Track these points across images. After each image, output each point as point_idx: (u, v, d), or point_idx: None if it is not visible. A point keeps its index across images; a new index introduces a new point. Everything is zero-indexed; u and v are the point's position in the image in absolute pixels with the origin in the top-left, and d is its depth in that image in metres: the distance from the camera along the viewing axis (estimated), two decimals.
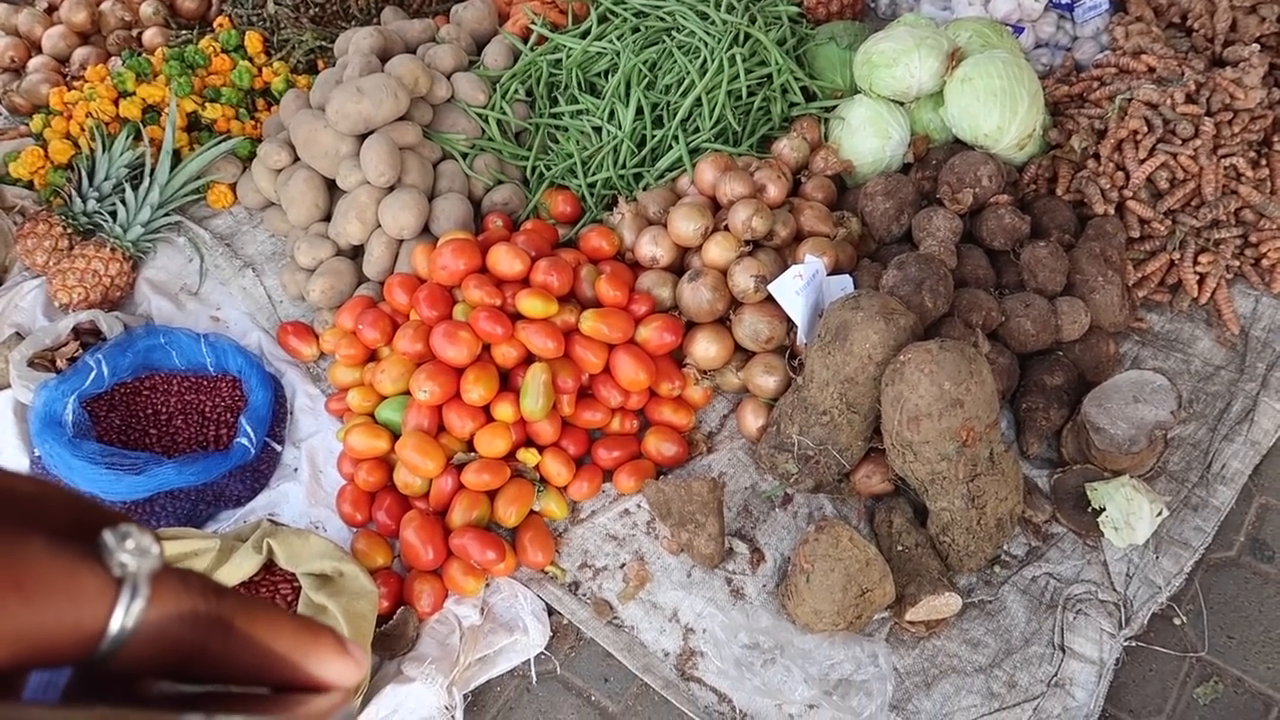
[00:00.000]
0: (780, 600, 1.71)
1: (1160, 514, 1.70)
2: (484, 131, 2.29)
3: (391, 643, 1.66)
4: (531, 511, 1.81)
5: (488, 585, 1.76)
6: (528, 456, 1.82)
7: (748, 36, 2.25)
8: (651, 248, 1.99)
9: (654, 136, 2.21)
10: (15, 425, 1.92)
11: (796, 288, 1.80)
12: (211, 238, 2.30)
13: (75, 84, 2.54)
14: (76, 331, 2.00)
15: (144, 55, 2.53)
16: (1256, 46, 2.23)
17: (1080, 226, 2.09)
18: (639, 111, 2.21)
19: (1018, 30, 2.53)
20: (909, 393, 1.53)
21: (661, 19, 2.31)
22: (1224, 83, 2.12)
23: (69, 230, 2.19)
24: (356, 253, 2.18)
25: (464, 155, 2.25)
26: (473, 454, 1.82)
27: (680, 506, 1.72)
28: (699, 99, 2.18)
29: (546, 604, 1.75)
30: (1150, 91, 2.14)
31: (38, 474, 1.85)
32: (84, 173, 2.25)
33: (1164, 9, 2.50)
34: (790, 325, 1.89)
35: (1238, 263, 2.09)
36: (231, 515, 1.87)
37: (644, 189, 2.19)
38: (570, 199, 2.19)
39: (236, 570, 1.60)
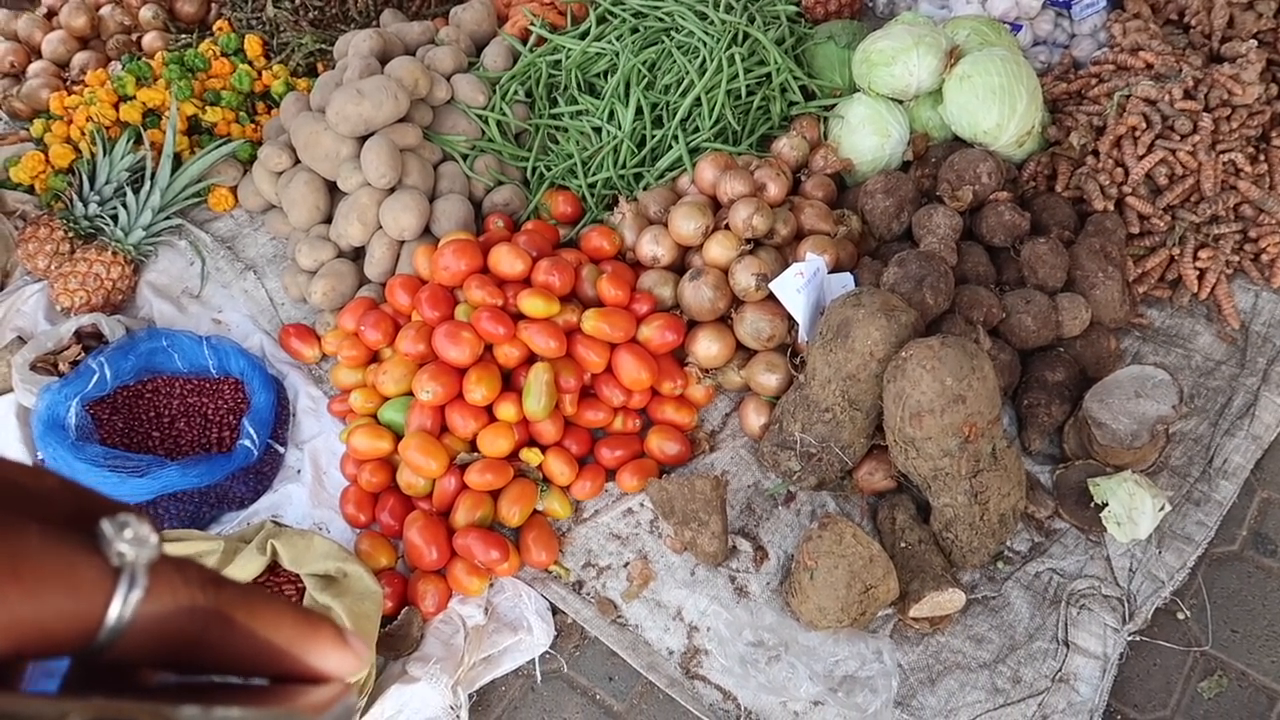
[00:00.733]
0: (784, 598, 1.71)
1: (1163, 509, 1.70)
2: (484, 132, 2.30)
3: (396, 643, 1.66)
4: (535, 511, 1.82)
5: (492, 585, 1.76)
6: (530, 456, 1.82)
7: (746, 36, 2.25)
8: (652, 247, 1.99)
9: (654, 136, 2.22)
10: (18, 429, 1.92)
11: (798, 285, 1.81)
12: (213, 240, 2.30)
13: (75, 88, 2.54)
14: (79, 335, 2.01)
15: (144, 59, 2.54)
16: (1254, 42, 2.23)
17: (1080, 223, 2.09)
18: (639, 111, 2.22)
19: (1015, 28, 2.53)
20: (911, 389, 1.53)
21: (660, 19, 2.32)
22: (1222, 78, 2.13)
23: (70, 234, 2.19)
24: (358, 254, 2.18)
25: (464, 156, 2.26)
26: (475, 454, 1.82)
27: (683, 505, 1.72)
28: (698, 99, 2.19)
29: (550, 603, 1.75)
30: (1148, 88, 2.14)
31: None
32: (85, 177, 2.25)
33: (1161, 6, 2.51)
34: (792, 323, 1.89)
35: (1237, 258, 2.09)
36: (235, 517, 1.87)
37: (644, 189, 2.19)
38: (571, 199, 2.19)
39: (241, 572, 1.60)
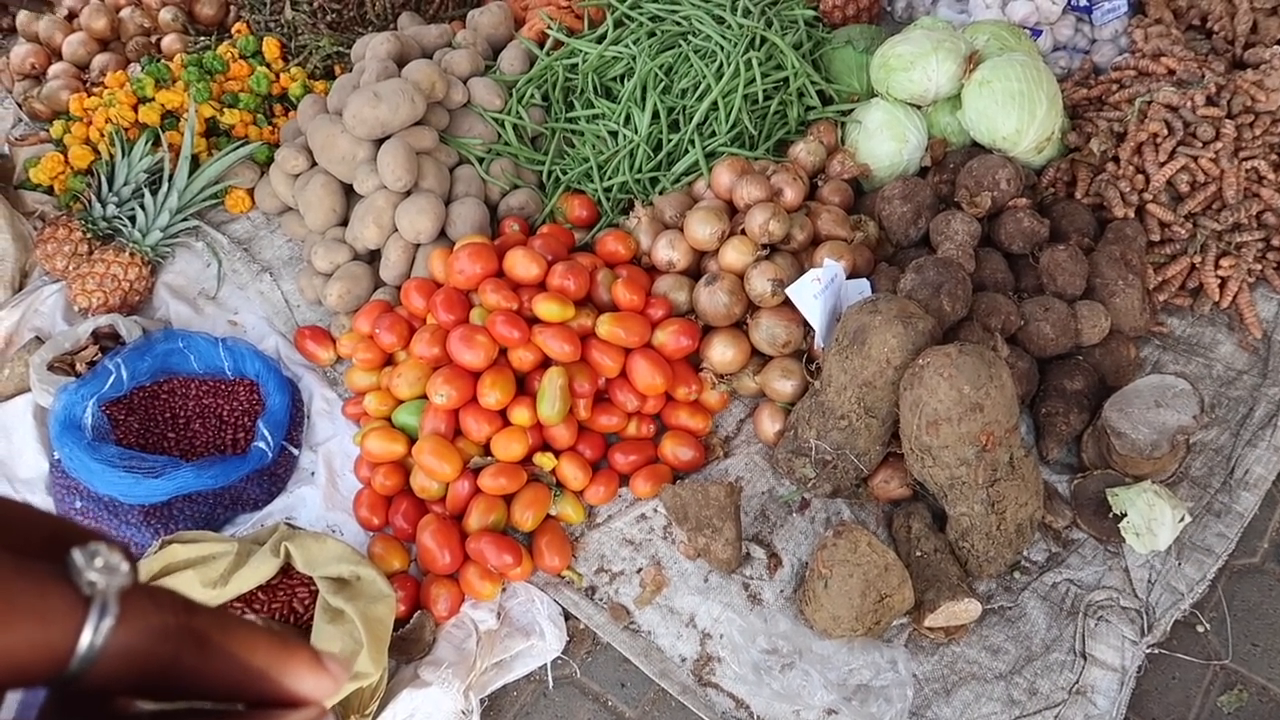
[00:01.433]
0: (798, 605, 1.70)
1: (1182, 520, 1.68)
2: (500, 136, 2.30)
3: (408, 647, 1.66)
4: (548, 516, 1.81)
5: (504, 590, 1.75)
6: (544, 461, 1.82)
7: (764, 40, 2.24)
8: (668, 251, 1.99)
9: (670, 141, 2.21)
10: (35, 429, 1.93)
11: (814, 291, 1.80)
12: (229, 242, 2.31)
13: (95, 90, 2.55)
14: (96, 335, 2.02)
15: (163, 61, 2.55)
16: (1278, 48, 2.21)
17: (1100, 230, 2.07)
18: (655, 116, 2.21)
19: (1035, 33, 2.52)
20: (928, 397, 1.52)
21: (677, 23, 2.31)
22: (1245, 85, 2.11)
23: (88, 235, 2.20)
24: (373, 257, 2.18)
25: (480, 160, 2.26)
26: (489, 458, 1.81)
27: (697, 511, 1.71)
28: (715, 103, 2.18)
29: (563, 608, 1.75)
30: (1170, 94, 2.13)
31: (58, 483, 1.86)
32: (103, 178, 2.26)
33: (1183, 11, 2.49)
34: (807, 329, 1.88)
35: (1259, 266, 2.07)
36: (249, 519, 1.87)
37: (660, 193, 2.19)
38: (586, 203, 2.19)
39: (254, 574, 1.60)
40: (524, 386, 1.87)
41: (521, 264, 1.89)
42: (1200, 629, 1.68)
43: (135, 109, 2.41)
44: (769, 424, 1.88)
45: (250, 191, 2.37)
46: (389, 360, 2.00)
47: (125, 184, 2.25)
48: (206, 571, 1.59)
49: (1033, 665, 1.63)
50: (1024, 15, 2.52)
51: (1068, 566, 1.74)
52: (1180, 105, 2.12)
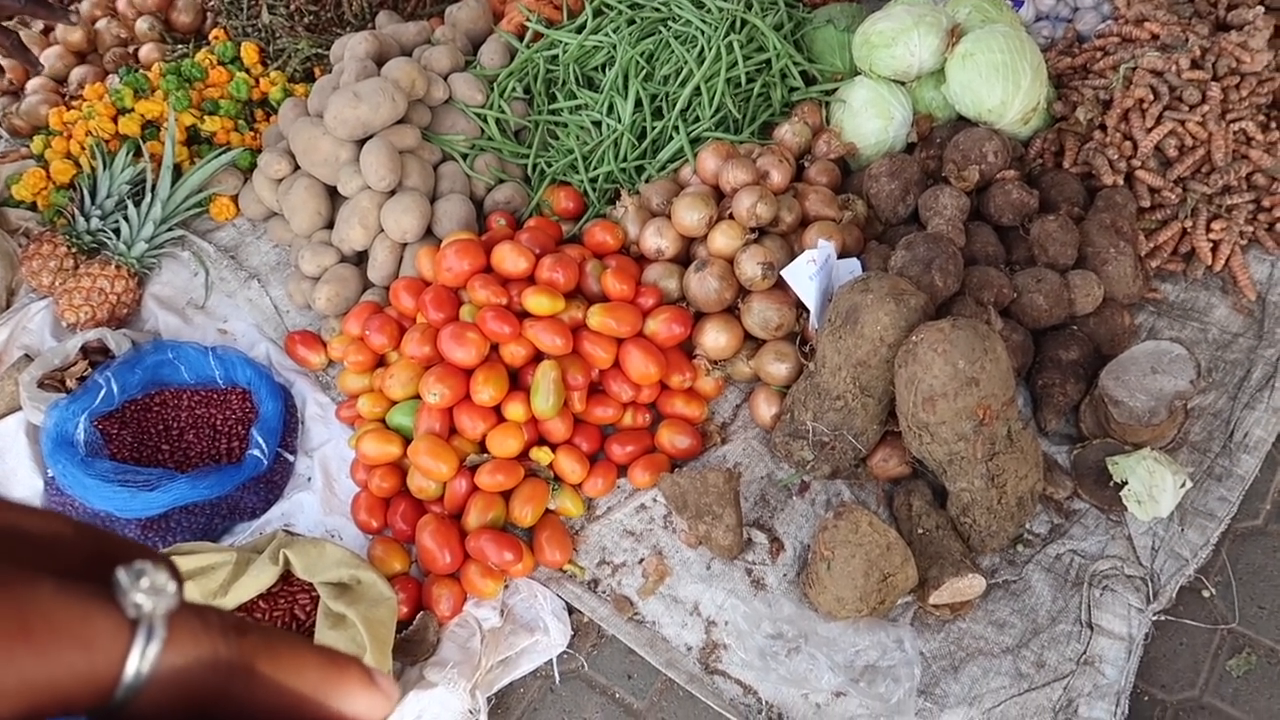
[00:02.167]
0: (802, 589, 1.69)
1: (1184, 485, 1.68)
2: (483, 131, 2.28)
3: (412, 648, 1.65)
4: (547, 510, 1.80)
5: (506, 586, 1.75)
6: (541, 455, 1.81)
7: (744, 23, 2.23)
8: (656, 239, 1.97)
9: (654, 128, 2.20)
10: (28, 447, 1.92)
11: (810, 273, 1.78)
12: (215, 250, 2.29)
13: (74, 103, 2.54)
14: (85, 350, 2.00)
15: (141, 71, 2.53)
16: (1261, 9, 2.19)
17: (1089, 198, 2.06)
18: (638, 104, 2.20)
19: (1017, 4, 2.50)
20: (923, 373, 1.51)
21: (657, 9, 2.30)
22: (1229, 46, 2.09)
23: (73, 250, 2.19)
24: (361, 259, 2.17)
25: (464, 156, 2.24)
26: (485, 455, 1.81)
27: (696, 499, 1.70)
28: (698, 88, 2.17)
29: (566, 603, 1.74)
30: (1155, 59, 2.11)
31: (52, 500, 1.85)
32: (86, 192, 2.24)
33: None
34: (800, 311, 1.87)
35: (1251, 228, 2.06)
36: (247, 527, 1.86)
37: (646, 181, 2.17)
38: (572, 195, 2.17)
39: (254, 582, 1.59)
40: (517, 382, 1.86)
41: (509, 258, 1.88)
42: (1206, 594, 1.68)
43: (115, 120, 2.39)
44: (765, 408, 1.87)
45: (234, 198, 2.35)
46: (381, 362, 1.98)
47: (108, 196, 2.24)
48: (206, 582, 1.58)
49: (1039, 638, 1.63)
50: None
51: (1070, 537, 1.73)
52: (1165, 70, 2.11)
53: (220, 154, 2.32)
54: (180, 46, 2.72)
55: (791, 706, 1.59)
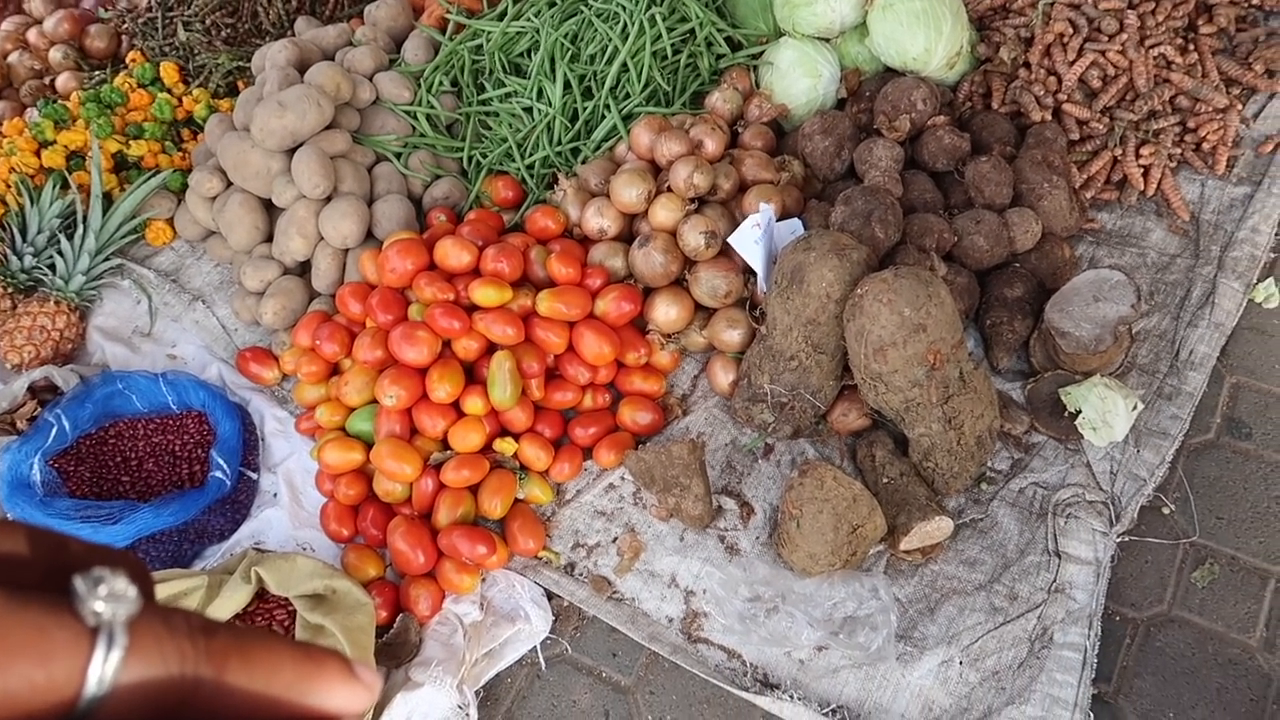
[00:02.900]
0: (775, 549, 1.71)
1: (1135, 408, 1.71)
2: (414, 128, 2.26)
3: (395, 651, 1.65)
4: (516, 500, 1.81)
5: (483, 580, 1.75)
6: (505, 446, 1.81)
7: None
8: (598, 220, 1.97)
9: (585, 109, 2.19)
10: None
11: (755, 236, 1.79)
12: (156, 276, 2.26)
13: None
14: (32, 390, 1.97)
15: (60, 102, 2.48)
16: None
17: (1020, 136, 2.08)
18: (567, 86, 2.19)
19: None
20: (870, 325, 1.53)
21: None
22: None
23: (9, 289, 2.15)
24: (304, 269, 2.15)
25: (398, 155, 2.22)
26: (449, 452, 1.80)
27: (663, 472, 1.71)
28: (625, 64, 2.16)
29: (545, 589, 1.75)
30: None
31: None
32: (15, 230, 2.20)
33: None
34: (747, 277, 1.88)
35: (1179, 150, 2.09)
36: (217, 550, 1.85)
37: (583, 162, 2.17)
38: (511, 183, 2.17)
39: (228, 603, 1.58)
40: (473, 375, 1.85)
41: (453, 253, 1.87)
42: (1166, 511, 1.72)
43: (38, 154, 2.34)
44: (722, 375, 1.88)
45: (170, 221, 2.32)
46: (335, 370, 1.97)
47: (39, 232, 2.19)
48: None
49: (1010, 571, 1.66)
50: None
51: (1031, 470, 1.76)
52: (1082, 3, 2.13)
53: (150, 178, 2.28)
54: (98, 73, 2.67)
55: (776, 665, 1.61)
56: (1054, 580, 1.64)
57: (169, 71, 2.51)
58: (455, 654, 1.64)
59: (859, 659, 1.59)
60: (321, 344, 1.92)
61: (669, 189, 1.92)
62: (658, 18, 2.16)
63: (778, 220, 1.87)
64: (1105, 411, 1.71)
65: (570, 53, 2.21)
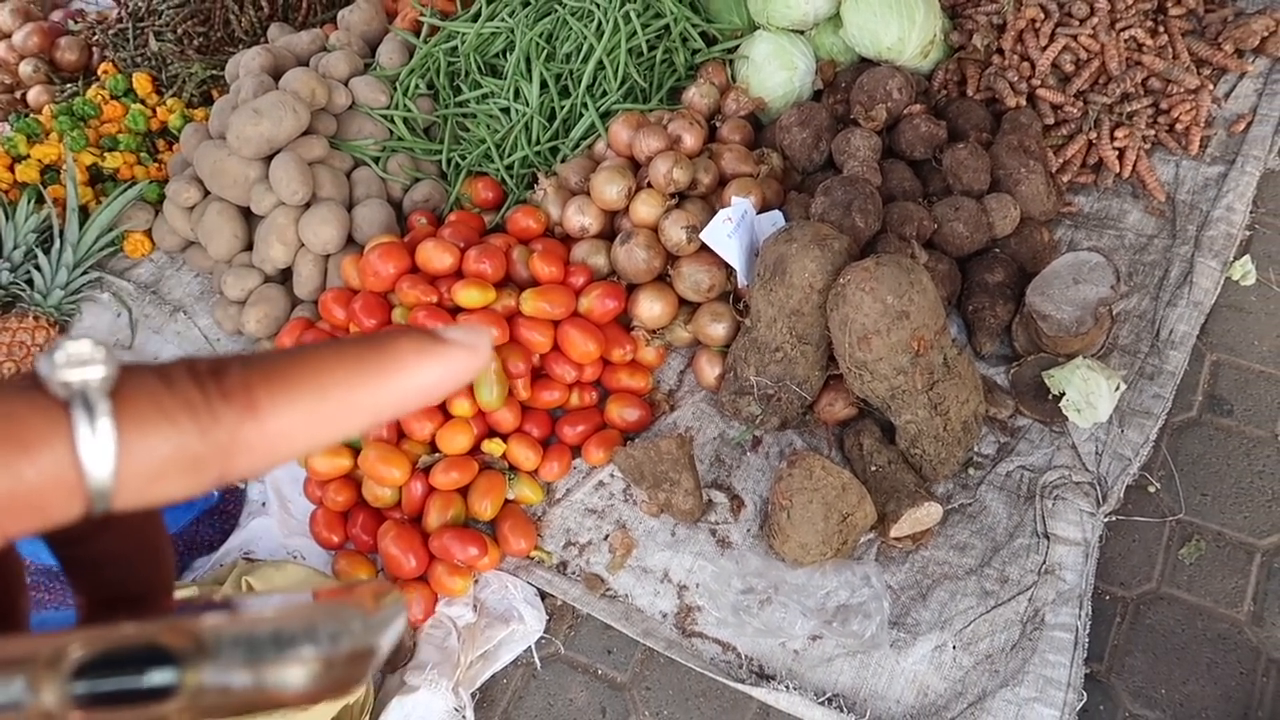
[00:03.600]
0: (766, 541, 1.72)
1: (1118, 388, 1.73)
2: (392, 132, 2.25)
3: (389, 656, 1.64)
4: (506, 501, 1.80)
5: (476, 582, 1.75)
6: (493, 447, 1.81)
7: None
8: (579, 218, 1.97)
9: (563, 107, 2.19)
10: None
11: (727, 231, 1.80)
12: (135, 288, 2.25)
13: None
14: None
15: (32, 116, 2.46)
16: None
17: (996, 123, 2.10)
18: (543, 85, 2.18)
19: None
20: (854, 313, 1.54)
21: None
22: None
23: None
24: (285, 277, 2.14)
25: (376, 159, 2.22)
26: (437, 454, 1.80)
27: (652, 468, 1.71)
28: (601, 62, 2.16)
29: (538, 589, 1.75)
30: None
31: None
32: None
33: None
34: (730, 271, 1.88)
35: (1153, 132, 2.11)
36: (207, 561, 1.83)
37: (562, 161, 2.17)
38: (491, 184, 2.16)
39: None
40: None
41: (435, 255, 1.87)
42: (1151, 489, 1.73)
43: (12, 169, 2.32)
44: (708, 369, 1.88)
45: (148, 233, 2.30)
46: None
47: (15, 247, 2.17)
48: None
49: (1000, 555, 1.67)
50: None
51: (1018, 454, 1.77)
52: None
53: (126, 189, 2.26)
54: (69, 85, 2.64)
55: (771, 656, 1.62)
56: (1044, 562, 1.65)
57: (142, 82, 2.49)
58: (450, 656, 1.64)
59: (853, 647, 1.59)
60: None
61: (649, 185, 1.92)
62: (632, 14, 2.16)
63: (758, 213, 1.87)
64: (1089, 393, 1.72)
65: (546, 52, 2.21)
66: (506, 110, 2.22)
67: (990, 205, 1.90)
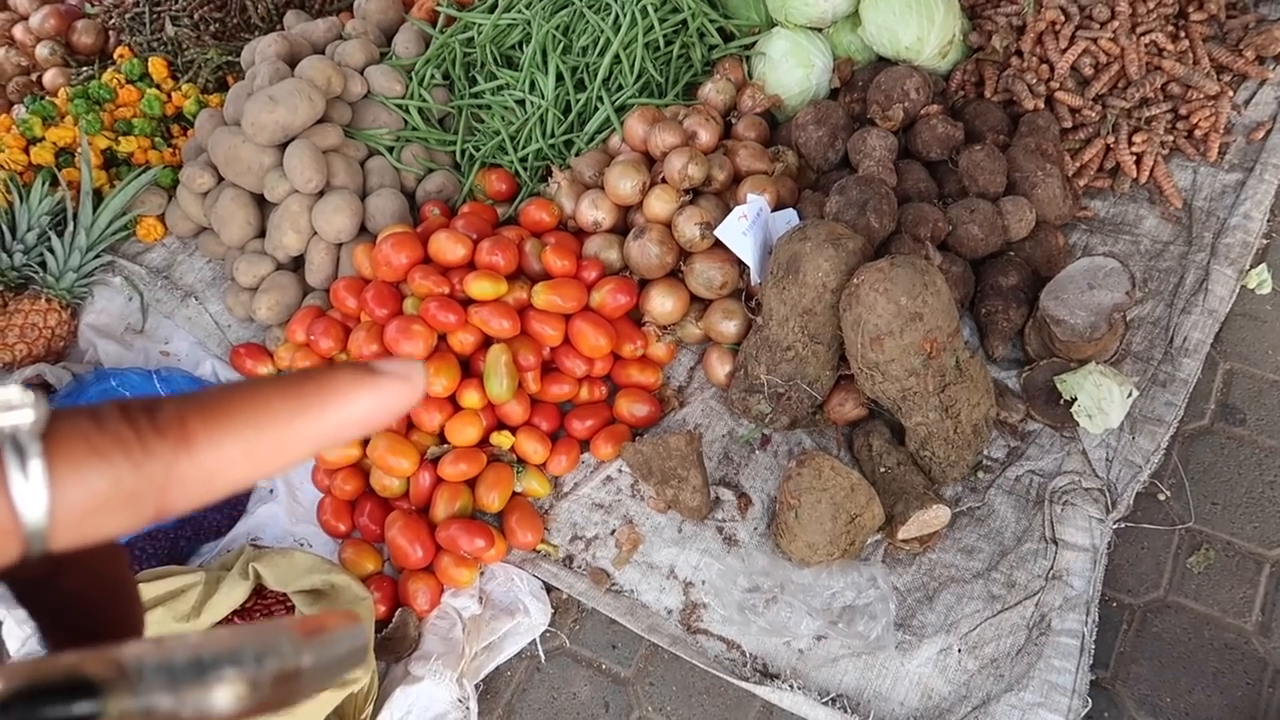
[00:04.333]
0: (773, 540, 1.72)
1: (1130, 395, 1.72)
2: (406, 122, 2.25)
3: (394, 645, 1.65)
4: (514, 493, 1.80)
5: (482, 573, 1.75)
6: (501, 440, 1.81)
7: None
8: (592, 212, 1.97)
9: (578, 101, 2.18)
10: None
11: (742, 228, 1.79)
12: (148, 272, 2.25)
13: None
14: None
15: (47, 98, 2.46)
16: None
17: (1013, 125, 2.08)
18: (559, 78, 2.18)
19: None
20: (867, 314, 1.53)
21: None
22: None
23: (0, 287, 2.13)
24: (297, 264, 2.14)
25: (390, 149, 2.21)
26: (446, 446, 1.80)
27: (661, 464, 1.71)
28: (618, 56, 2.15)
29: (543, 582, 1.75)
30: None
31: None
32: (5, 227, 2.18)
33: None
34: (743, 268, 1.88)
35: (1171, 137, 2.10)
36: (214, 546, 1.84)
37: (576, 155, 2.16)
38: (504, 176, 2.16)
39: (226, 600, 1.58)
40: (469, 369, 1.85)
41: (447, 246, 1.87)
42: (1161, 497, 1.72)
43: (27, 151, 2.33)
44: (719, 367, 1.88)
45: (161, 218, 2.30)
46: (329, 365, 1.96)
47: (29, 229, 2.18)
48: (178, 606, 1.56)
49: (1007, 559, 1.66)
50: None
51: (1028, 458, 1.77)
52: None
53: (140, 174, 2.27)
54: (85, 69, 2.65)
55: (775, 655, 1.62)
56: (1051, 567, 1.64)
57: (157, 67, 2.49)
58: (454, 648, 1.64)
59: (858, 648, 1.59)
60: (316, 339, 1.91)
61: (663, 180, 1.92)
62: (649, 9, 2.15)
63: (772, 211, 1.86)
64: (1100, 399, 1.71)
65: (562, 44, 2.20)
66: (522, 102, 2.22)
67: (1006, 208, 1.89)
